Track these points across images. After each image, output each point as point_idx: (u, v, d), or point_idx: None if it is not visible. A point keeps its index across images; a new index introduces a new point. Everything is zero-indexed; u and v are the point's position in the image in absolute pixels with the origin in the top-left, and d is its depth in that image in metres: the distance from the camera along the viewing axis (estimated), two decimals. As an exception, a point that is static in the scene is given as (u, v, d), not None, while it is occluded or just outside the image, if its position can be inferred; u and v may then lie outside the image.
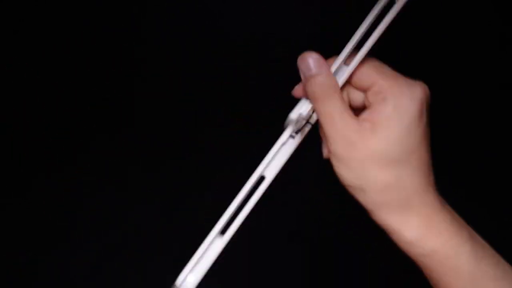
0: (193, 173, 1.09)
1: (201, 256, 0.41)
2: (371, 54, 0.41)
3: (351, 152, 0.35)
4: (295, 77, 0.42)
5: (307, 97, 0.38)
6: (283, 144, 0.40)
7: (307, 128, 0.40)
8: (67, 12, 1.12)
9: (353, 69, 0.38)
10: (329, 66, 0.38)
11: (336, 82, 0.38)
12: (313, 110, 0.39)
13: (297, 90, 0.39)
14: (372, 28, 0.41)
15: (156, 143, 1.11)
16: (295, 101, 0.42)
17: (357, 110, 0.37)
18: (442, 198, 0.40)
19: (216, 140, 1.11)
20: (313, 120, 0.40)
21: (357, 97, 0.39)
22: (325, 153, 0.39)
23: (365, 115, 0.36)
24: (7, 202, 1.05)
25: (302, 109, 0.39)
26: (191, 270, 0.40)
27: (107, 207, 1.05)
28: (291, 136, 0.40)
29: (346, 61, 0.39)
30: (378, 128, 0.35)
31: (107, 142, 1.12)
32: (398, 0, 0.40)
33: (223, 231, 0.40)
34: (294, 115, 0.38)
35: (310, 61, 0.37)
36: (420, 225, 0.37)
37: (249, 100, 1.09)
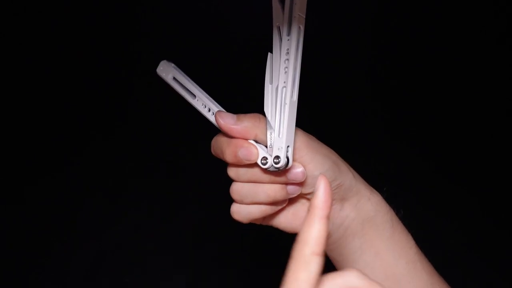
0: (193, 173, 1.09)
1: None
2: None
3: None
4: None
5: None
6: None
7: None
8: (67, 14, 1.12)
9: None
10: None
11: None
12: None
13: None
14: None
15: (156, 144, 1.11)
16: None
17: None
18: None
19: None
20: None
21: None
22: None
23: None
24: (7, 202, 1.05)
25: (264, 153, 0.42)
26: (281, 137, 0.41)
27: (107, 208, 1.05)
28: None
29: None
30: None
31: (107, 143, 1.12)
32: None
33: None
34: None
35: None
36: None
37: (249, 101, 1.08)
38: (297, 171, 0.41)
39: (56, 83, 1.13)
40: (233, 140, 0.42)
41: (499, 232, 1.02)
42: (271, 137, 0.41)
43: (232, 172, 0.43)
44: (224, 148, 0.42)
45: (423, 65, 1.13)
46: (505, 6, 1.09)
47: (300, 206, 0.45)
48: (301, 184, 0.42)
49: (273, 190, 0.42)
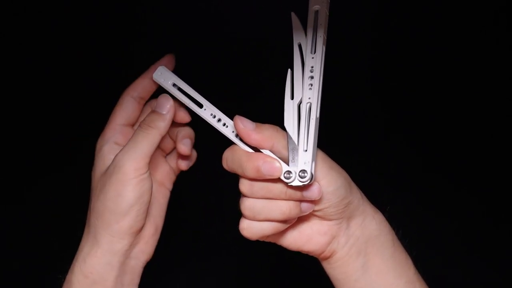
0: (194, 172, 1.09)
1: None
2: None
3: None
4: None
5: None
6: None
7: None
8: (67, 14, 1.12)
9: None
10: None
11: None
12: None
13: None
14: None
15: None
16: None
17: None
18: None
19: (215, 140, 1.11)
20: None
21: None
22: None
23: None
24: (7, 202, 1.05)
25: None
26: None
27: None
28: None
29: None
30: None
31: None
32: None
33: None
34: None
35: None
36: None
37: (249, 100, 1.08)
38: (313, 188, 0.41)
39: (56, 83, 1.13)
40: (254, 154, 0.42)
41: (499, 232, 1.02)
42: (293, 151, 0.41)
43: (245, 187, 0.42)
44: (243, 162, 0.41)
45: (423, 65, 1.13)
46: (505, 6, 1.09)
47: (307, 224, 0.45)
48: (315, 202, 0.42)
49: (288, 207, 0.42)
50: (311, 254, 0.45)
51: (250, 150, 0.42)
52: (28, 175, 1.08)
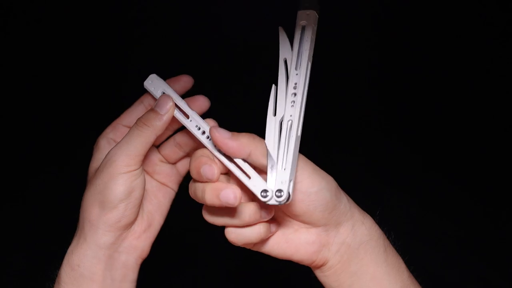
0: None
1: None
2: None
3: None
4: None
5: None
6: None
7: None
8: (67, 14, 1.12)
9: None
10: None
11: None
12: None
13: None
14: None
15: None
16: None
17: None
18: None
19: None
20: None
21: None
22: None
23: None
24: (6, 202, 1.05)
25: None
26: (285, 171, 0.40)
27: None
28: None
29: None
30: None
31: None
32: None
33: None
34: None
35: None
36: None
37: (248, 101, 1.09)
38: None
39: (56, 83, 1.13)
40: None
41: (499, 232, 1.02)
42: (272, 169, 0.40)
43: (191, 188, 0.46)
44: (204, 191, 0.42)
45: (423, 65, 1.13)
46: (506, 5, 1.09)
47: (293, 232, 0.44)
48: (269, 209, 0.42)
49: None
50: (302, 264, 0.45)
51: (230, 164, 0.41)
52: (28, 174, 1.08)
